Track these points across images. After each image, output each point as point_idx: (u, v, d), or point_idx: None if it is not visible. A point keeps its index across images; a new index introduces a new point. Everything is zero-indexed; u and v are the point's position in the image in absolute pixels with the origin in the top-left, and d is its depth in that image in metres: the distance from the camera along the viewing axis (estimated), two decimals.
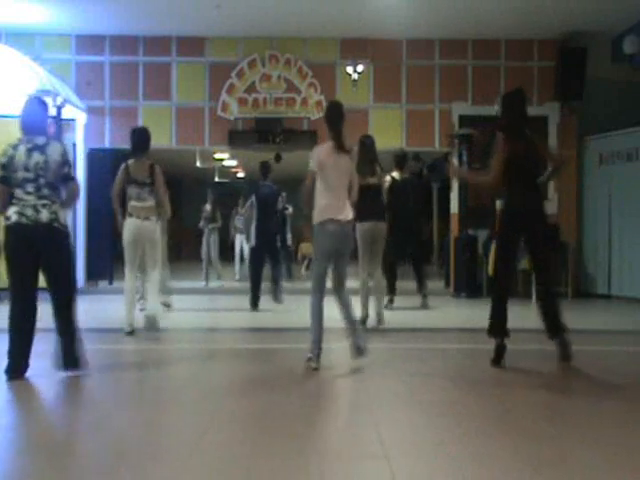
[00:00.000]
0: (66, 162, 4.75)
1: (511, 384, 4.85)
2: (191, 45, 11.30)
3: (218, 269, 12.49)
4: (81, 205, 10.71)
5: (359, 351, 5.12)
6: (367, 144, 7.24)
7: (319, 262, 5.12)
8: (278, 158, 13.11)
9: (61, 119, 9.97)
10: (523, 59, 11.32)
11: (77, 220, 10.76)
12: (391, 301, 9.00)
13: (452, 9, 9.94)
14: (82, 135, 11.02)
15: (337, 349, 6.06)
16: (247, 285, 9.26)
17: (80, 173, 10.65)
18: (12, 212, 4.58)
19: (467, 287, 10.88)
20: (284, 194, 11.47)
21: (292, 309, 9.00)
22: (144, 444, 3.37)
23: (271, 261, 9.09)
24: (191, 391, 4.58)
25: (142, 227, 6.53)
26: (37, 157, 4.62)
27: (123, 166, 6.63)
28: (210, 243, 12.37)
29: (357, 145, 7.33)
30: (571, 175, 11.30)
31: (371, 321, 7.25)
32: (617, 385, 4.86)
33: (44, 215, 4.56)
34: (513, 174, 5.09)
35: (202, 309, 9.40)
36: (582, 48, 10.78)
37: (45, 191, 4.61)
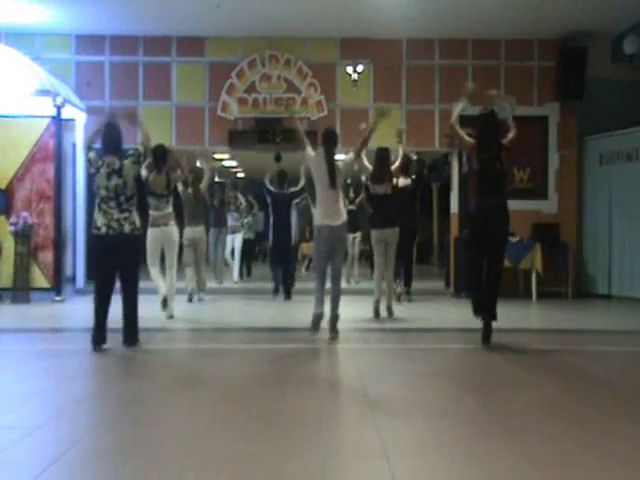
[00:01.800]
0: (139, 162, 5.94)
1: (511, 383, 4.85)
2: (191, 45, 11.30)
3: (218, 270, 12.39)
4: (81, 205, 10.72)
5: (333, 333, 6.34)
6: (382, 156, 8.07)
7: (318, 256, 6.44)
8: (278, 158, 13.12)
9: (61, 119, 9.98)
10: (523, 59, 11.31)
11: (77, 220, 10.76)
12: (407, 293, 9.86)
13: (452, 9, 9.93)
14: (82, 135, 11.00)
15: (337, 350, 6.07)
16: (247, 286, 9.30)
17: (80, 173, 10.67)
18: (101, 224, 5.75)
19: (467, 287, 10.87)
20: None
21: (296, 309, 9.04)
22: (145, 443, 3.37)
23: (284, 262, 10.04)
24: (192, 390, 4.58)
25: (161, 232, 7.59)
26: (116, 180, 5.75)
27: (144, 180, 7.50)
28: (218, 243, 12.15)
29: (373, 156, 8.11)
30: (571, 175, 11.31)
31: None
32: (617, 385, 4.87)
33: (126, 227, 5.74)
34: (482, 183, 6.04)
35: (208, 308, 9.38)
36: (582, 48, 10.77)
37: (125, 205, 5.77)
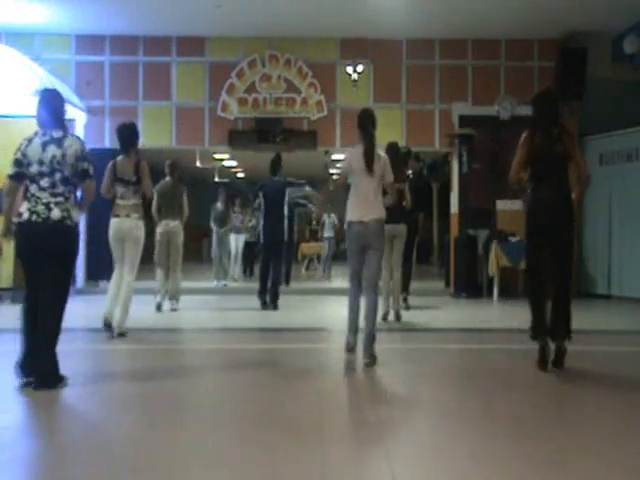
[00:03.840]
0: (85, 157, 4.57)
1: (511, 384, 4.85)
2: (191, 45, 11.31)
3: (227, 269, 12.55)
4: None
5: (369, 358, 5.21)
6: (393, 150, 7.63)
7: (350, 258, 5.46)
8: (278, 158, 13.08)
9: None
10: (523, 59, 11.32)
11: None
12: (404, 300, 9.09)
13: (452, 9, 9.94)
14: (82, 135, 11.00)
15: (338, 350, 6.05)
16: (248, 285, 9.20)
17: None
18: (24, 209, 4.49)
19: (467, 287, 10.88)
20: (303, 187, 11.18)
21: (296, 309, 9.02)
22: (144, 445, 3.36)
23: (272, 262, 8.96)
24: (193, 391, 4.58)
25: (122, 224, 6.40)
26: (53, 150, 4.44)
27: (111, 164, 6.52)
28: (223, 244, 12.25)
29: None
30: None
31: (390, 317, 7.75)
32: (617, 385, 4.86)
33: (55, 213, 4.41)
34: (539, 171, 5.13)
35: (206, 308, 9.38)
36: (582, 48, 10.77)
37: (60, 188, 4.46)
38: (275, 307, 8.88)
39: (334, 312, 8.76)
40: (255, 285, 9.45)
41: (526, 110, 11.27)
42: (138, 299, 7.22)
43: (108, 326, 6.36)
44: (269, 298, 8.95)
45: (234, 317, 8.62)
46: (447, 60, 11.35)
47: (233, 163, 18.87)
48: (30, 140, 4.52)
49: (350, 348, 5.38)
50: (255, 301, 8.99)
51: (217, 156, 16.59)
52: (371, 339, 5.22)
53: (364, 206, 5.33)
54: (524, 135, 5.22)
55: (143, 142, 10.76)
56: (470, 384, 4.83)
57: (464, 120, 11.24)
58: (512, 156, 5.32)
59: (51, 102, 4.63)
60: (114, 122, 11.16)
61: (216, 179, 20.77)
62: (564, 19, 10.29)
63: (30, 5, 9.79)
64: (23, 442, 3.41)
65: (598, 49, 10.80)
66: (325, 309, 9.38)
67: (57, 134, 4.51)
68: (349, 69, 11.17)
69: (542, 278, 5.16)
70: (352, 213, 5.38)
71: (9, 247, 9.89)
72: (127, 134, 6.55)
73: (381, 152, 5.58)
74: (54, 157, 4.43)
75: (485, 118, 11.04)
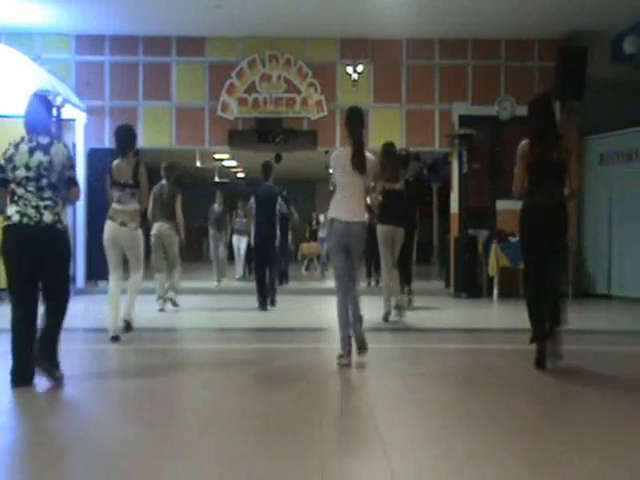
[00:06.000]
0: (71, 165, 4.62)
1: (511, 384, 4.85)
2: (191, 45, 11.30)
3: (224, 270, 12.62)
4: (81, 205, 10.70)
5: (361, 347, 5.27)
6: (390, 152, 7.61)
7: (333, 259, 5.44)
8: (278, 158, 13.11)
9: (61, 119, 9.97)
10: (523, 59, 11.31)
11: (77, 220, 10.75)
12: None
13: (452, 9, 9.93)
14: (82, 135, 11.01)
15: (337, 350, 6.05)
16: (247, 285, 9.17)
17: (80, 173, 10.66)
18: (13, 211, 4.42)
19: (467, 287, 10.88)
20: (284, 194, 11.38)
21: (295, 309, 9.02)
22: (144, 444, 3.36)
23: (267, 263, 9.04)
24: (192, 390, 4.58)
25: (119, 232, 6.18)
26: (40, 157, 4.45)
27: (108, 168, 6.37)
28: (218, 245, 12.49)
29: (380, 152, 7.54)
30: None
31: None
32: (617, 385, 4.86)
33: (47, 216, 4.41)
34: (534, 176, 5.13)
35: (207, 308, 9.37)
36: (582, 48, 10.76)
37: (47, 192, 4.44)
38: (273, 304, 9.04)
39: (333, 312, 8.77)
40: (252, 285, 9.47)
41: (525, 110, 11.35)
42: (137, 298, 7.23)
43: (116, 338, 6.14)
44: (269, 297, 9.05)
45: (233, 317, 8.62)
46: (447, 60, 11.35)
47: (233, 163, 18.88)
48: (17, 146, 4.54)
49: (345, 355, 5.19)
50: (253, 301, 8.99)
51: (217, 156, 16.60)
52: (358, 324, 5.26)
53: (347, 205, 5.22)
54: (521, 147, 5.20)
55: (143, 142, 10.85)
56: (470, 384, 4.83)
57: (464, 120, 11.24)
58: (512, 156, 5.31)
59: (38, 107, 4.68)
60: (114, 122, 11.16)
61: (216, 179, 20.78)
62: (564, 19, 10.28)
63: (30, 5, 9.78)
64: (22, 443, 3.41)
65: (598, 49, 10.79)
66: (323, 309, 9.38)
67: (44, 140, 4.53)
68: (349, 69, 11.17)
69: (538, 282, 5.14)
70: (334, 210, 5.28)
71: None
72: (125, 136, 6.42)
73: (368, 153, 5.39)
74: (41, 163, 4.44)
75: (485, 118, 11.05)
